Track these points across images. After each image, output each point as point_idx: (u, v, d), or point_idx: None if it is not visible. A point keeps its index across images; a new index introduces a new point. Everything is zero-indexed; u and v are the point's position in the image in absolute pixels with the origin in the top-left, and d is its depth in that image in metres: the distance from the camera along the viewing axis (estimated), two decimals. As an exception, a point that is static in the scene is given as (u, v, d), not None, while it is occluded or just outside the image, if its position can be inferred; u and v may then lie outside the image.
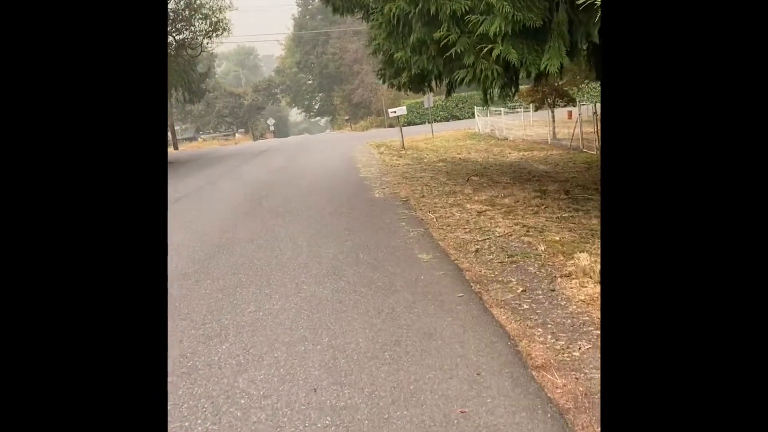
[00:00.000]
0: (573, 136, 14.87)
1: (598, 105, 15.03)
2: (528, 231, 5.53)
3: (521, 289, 4.02)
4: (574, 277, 4.11)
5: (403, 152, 16.38)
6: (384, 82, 10.15)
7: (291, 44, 63.74)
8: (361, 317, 3.71)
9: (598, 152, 12.98)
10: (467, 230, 5.85)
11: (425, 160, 13.80)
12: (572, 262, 4.45)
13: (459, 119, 36.47)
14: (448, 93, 9.76)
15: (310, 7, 59.95)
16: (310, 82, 62.81)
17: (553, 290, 3.94)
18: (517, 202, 7.21)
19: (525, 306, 3.72)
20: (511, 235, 5.48)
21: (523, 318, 3.52)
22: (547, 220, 6.07)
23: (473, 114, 36.92)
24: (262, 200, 9.22)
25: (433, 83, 9.10)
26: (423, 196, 8.20)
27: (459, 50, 5.87)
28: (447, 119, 37.15)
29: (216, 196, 10.45)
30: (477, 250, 5.06)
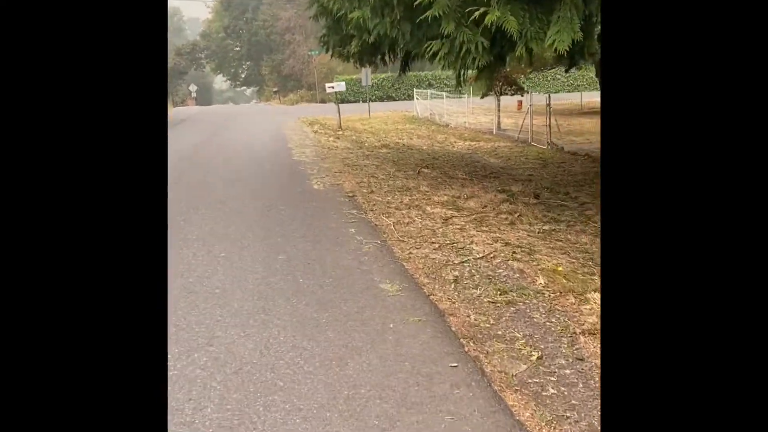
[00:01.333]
0: (521, 127, 14.00)
1: (553, 96, 14.26)
2: (514, 252, 4.35)
3: (535, 354, 2.82)
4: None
5: (340, 133, 14.91)
6: (327, 51, 8.67)
7: (219, 7, 59.68)
8: (304, 416, 2.36)
9: (548, 147, 12.19)
10: (436, 245, 4.60)
11: (366, 144, 12.44)
12: (589, 308, 3.31)
13: (395, 100, 35.22)
14: (404, 69, 8.43)
15: (241, -32, 56.22)
16: (238, 48, 59.21)
17: (580, 359, 2.77)
18: (485, 207, 6.05)
19: (551, 390, 2.51)
20: (493, 256, 4.28)
21: (557, 418, 2.31)
22: (528, 235, 4.93)
23: (410, 96, 35.84)
24: (170, 187, 7.56)
25: (388, 55, 7.75)
26: (371, 192, 6.86)
27: (437, 14, 4.54)
28: (382, 99, 35.77)
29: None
30: (456, 279, 3.81)
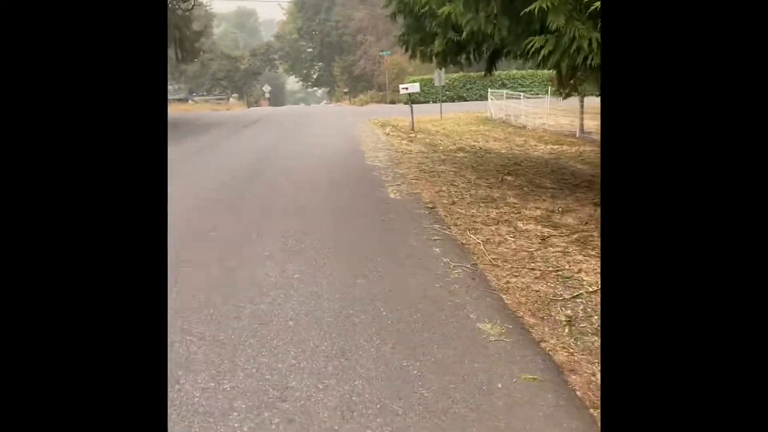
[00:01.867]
0: (610, 130, 12.93)
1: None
2: (635, 286, 3.67)
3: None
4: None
5: (413, 135, 14.39)
6: (407, 50, 8.17)
7: (293, 9, 60.76)
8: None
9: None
10: (537, 273, 3.97)
11: (440, 148, 11.84)
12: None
13: (465, 100, 34.35)
14: (490, 69, 7.80)
15: (315, -30, 56.90)
16: (311, 50, 60.07)
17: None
18: (586, 224, 5.33)
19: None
20: (609, 290, 3.62)
21: None
22: (645, 262, 4.21)
23: (482, 96, 34.85)
24: (242, 192, 7.29)
25: (473, 54, 7.14)
26: (453, 202, 6.28)
27: (545, 5, 3.91)
28: (453, 100, 34.93)
29: (183, 184, 8.50)
30: (570, 321, 3.18)
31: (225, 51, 61.61)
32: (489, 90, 24.09)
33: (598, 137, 14.06)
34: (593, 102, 17.99)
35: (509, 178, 8.09)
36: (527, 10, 4.04)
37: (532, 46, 4.35)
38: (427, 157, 10.14)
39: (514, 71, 35.50)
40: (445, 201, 6.38)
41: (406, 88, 14.82)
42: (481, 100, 34.51)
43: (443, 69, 21.85)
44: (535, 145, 12.98)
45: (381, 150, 11.32)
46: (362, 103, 40.19)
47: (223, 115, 27.73)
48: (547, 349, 2.87)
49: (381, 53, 41.04)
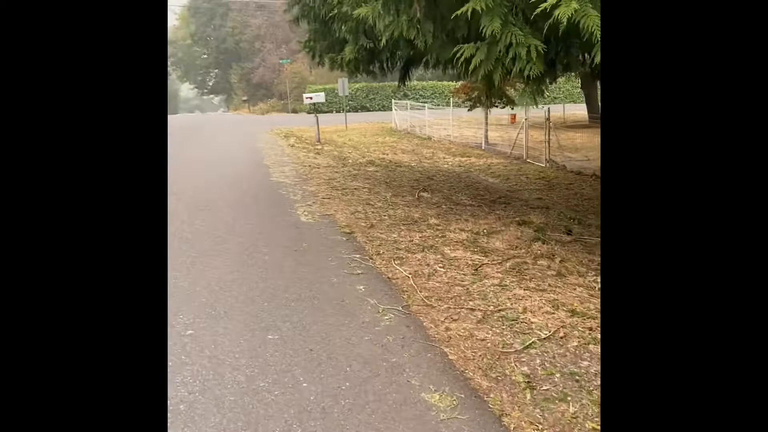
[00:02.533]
0: (515, 142, 13.03)
1: (551, 108, 13.31)
2: (589, 327, 3.23)
3: None
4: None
5: (320, 147, 13.69)
6: (313, 58, 7.51)
7: (185, 14, 57.85)
8: None
9: (548, 164, 11.24)
10: (478, 314, 3.45)
11: (350, 161, 11.26)
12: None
13: (369, 110, 34.16)
14: (404, 78, 7.32)
15: (209, -26, 54.59)
16: (205, 56, 57.46)
17: None
18: (516, 248, 4.94)
19: None
20: (564, 335, 3.15)
21: None
22: (589, 294, 3.83)
23: (384, 106, 34.81)
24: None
25: (387, 63, 6.62)
26: (371, 225, 5.69)
27: (479, 7, 3.42)
28: (356, 110, 34.59)
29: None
30: (529, 383, 2.66)
31: (110, 55, 57.42)
32: (393, 101, 23.93)
33: (503, 149, 14.16)
34: (497, 113, 18.20)
35: (426, 194, 7.65)
36: (458, 13, 3.53)
37: (462, 54, 3.86)
38: (337, 172, 9.49)
39: (415, 82, 35.86)
40: (362, 224, 5.76)
41: (311, 98, 14.12)
42: (384, 110, 34.47)
43: (347, 78, 21.41)
44: (444, 158, 12.77)
45: (287, 164, 10.52)
46: (263, 112, 38.81)
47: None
48: (512, 426, 2.32)
49: (281, 61, 39.91)
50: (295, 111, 36.94)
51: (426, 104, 21.35)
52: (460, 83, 16.52)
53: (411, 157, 12.73)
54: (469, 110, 15.49)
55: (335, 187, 7.93)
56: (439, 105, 23.68)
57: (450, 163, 11.85)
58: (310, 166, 10.26)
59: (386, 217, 6.08)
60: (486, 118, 15.38)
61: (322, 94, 14.38)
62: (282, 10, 43.07)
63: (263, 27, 43.57)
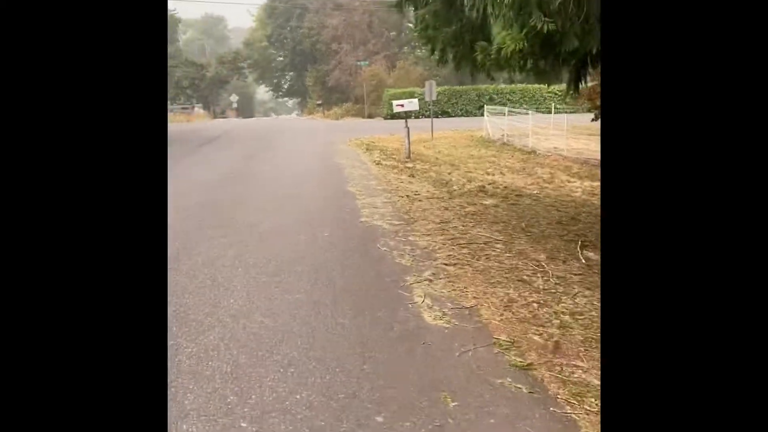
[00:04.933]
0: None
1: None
2: None
3: None
4: None
5: (411, 165, 11.35)
6: (434, 53, 5.15)
7: (262, 15, 57.49)
8: None
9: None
10: None
11: (455, 187, 8.83)
12: None
13: (450, 116, 31.58)
14: (577, 81, 4.82)
15: (287, -25, 53.85)
16: (281, 58, 56.81)
17: None
18: None
19: None
20: None
21: None
22: None
23: (467, 111, 32.12)
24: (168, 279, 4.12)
25: (560, 58, 4.16)
26: (556, 346, 3.23)
27: None
28: (437, 115, 32.12)
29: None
30: None
31: (190, 58, 58.03)
32: (486, 106, 21.31)
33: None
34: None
35: (592, 255, 5.11)
36: None
37: None
38: (446, 207, 7.08)
39: (503, 85, 32.96)
40: (536, 337, 3.31)
41: (402, 105, 11.80)
42: (468, 116, 31.77)
43: (434, 82, 19.00)
44: (569, 181, 10.10)
45: (378, 192, 8.22)
46: (337, 116, 37.10)
47: (180, 129, 24.23)
48: None
49: (358, 63, 38.04)
50: (371, 116, 34.96)
51: (529, 110, 18.54)
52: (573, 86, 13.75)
53: (526, 180, 10.15)
54: (594, 120, 12.67)
55: (455, 238, 5.52)
56: (528, 111, 20.87)
57: (582, 190, 9.18)
58: (407, 196, 7.90)
59: (569, 318, 3.60)
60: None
61: (416, 100, 12.04)
62: (360, 11, 41.44)
63: (340, 27, 41.90)
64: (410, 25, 49.07)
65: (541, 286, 4.18)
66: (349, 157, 12.67)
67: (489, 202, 7.68)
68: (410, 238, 5.56)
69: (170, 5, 67.21)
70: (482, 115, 30.26)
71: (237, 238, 5.61)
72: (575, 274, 4.49)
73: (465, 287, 4.12)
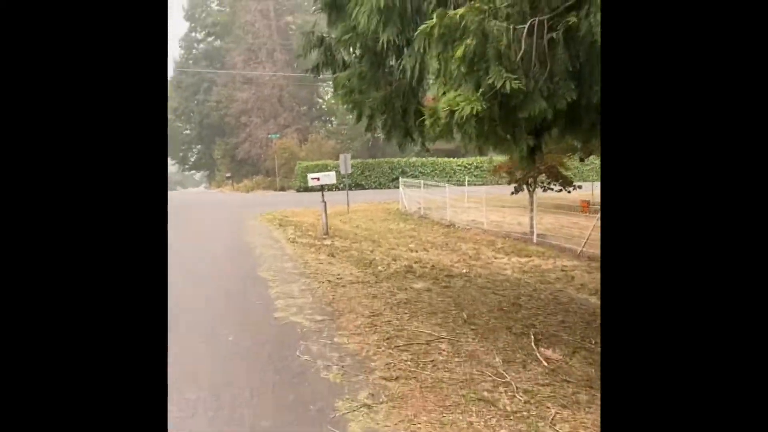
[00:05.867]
0: (589, 236, 9.92)
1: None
2: None
3: None
4: None
5: (329, 242, 10.41)
6: (360, 119, 4.41)
7: (169, 89, 56.02)
8: None
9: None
10: None
11: (380, 268, 7.97)
12: None
13: (364, 188, 31.32)
14: (533, 157, 4.20)
15: (194, 51, 53.26)
16: (188, 131, 55.11)
17: None
18: None
19: None
20: None
21: None
22: None
23: (380, 183, 32.03)
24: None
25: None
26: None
27: None
28: (350, 188, 31.74)
29: None
30: None
31: (87, 130, 55.00)
32: (401, 179, 21.05)
33: (561, 242, 11.09)
34: (516, 195, 15.08)
35: (550, 352, 4.35)
36: None
37: None
38: (375, 295, 6.15)
39: (414, 158, 33.39)
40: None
41: (318, 178, 10.98)
42: (381, 188, 31.67)
43: (348, 154, 18.53)
44: (495, 257, 9.57)
45: (294, 277, 7.15)
46: (248, 189, 35.77)
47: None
48: None
49: (269, 136, 37.37)
50: (283, 189, 34.00)
51: (440, 182, 18.40)
52: (498, 159, 13.69)
53: (451, 257, 9.51)
54: (514, 193, 12.48)
55: (391, 338, 4.57)
56: (438, 183, 20.96)
57: (511, 268, 8.63)
58: (329, 281, 6.91)
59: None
60: (532, 202, 12.35)
61: (332, 173, 11.25)
62: (270, 85, 41.21)
63: (250, 101, 41.35)
64: (320, 99, 49.64)
65: (508, 407, 3.30)
66: (260, 234, 11.55)
67: (420, 285, 6.86)
68: (337, 339, 4.54)
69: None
70: (395, 187, 30.35)
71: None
72: (542, 385, 3.66)
73: (415, 415, 3.15)
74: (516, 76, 2.80)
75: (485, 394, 3.47)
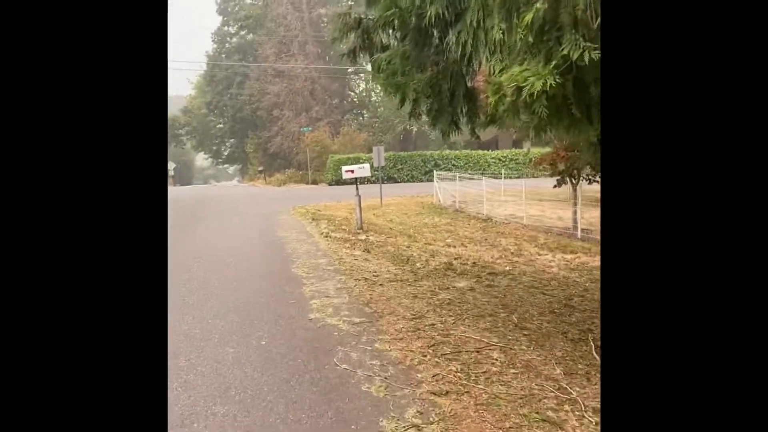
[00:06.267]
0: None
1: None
2: None
3: None
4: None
5: (364, 238, 10.06)
6: (412, 115, 4.02)
7: (202, 83, 56.58)
8: None
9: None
10: None
11: (417, 265, 7.57)
12: None
13: (396, 182, 30.90)
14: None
15: (227, 45, 53.57)
16: (221, 125, 55.58)
17: None
18: None
19: None
20: None
21: None
22: None
23: (413, 176, 31.55)
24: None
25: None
26: None
27: None
28: (383, 181, 31.35)
29: None
30: None
31: (124, 125, 55.97)
32: (435, 171, 20.57)
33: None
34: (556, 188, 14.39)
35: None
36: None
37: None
38: (416, 295, 5.75)
39: (447, 151, 32.80)
40: None
41: (352, 171, 10.62)
42: (414, 181, 31.20)
43: (382, 146, 18.13)
44: (539, 254, 9.06)
45: (329, 274, 6.81)
46: (280, 183, 35.75)
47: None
48: None
49: (302, 129, 37.25)
50: (315, 182, 33.86)
51: (474, 175, 17.88)
52: (536, 151, 13.11)
53: (492, 253, 9.04)
54: (556, 186, 11.90)
55: (437, 344, 4.17)
56: (472, 177, 20.40)
57: (557, 265, 8.13)
58: (365, 278, 6.55)
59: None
60: (576, 196, 11.74)
61: (367, 166, 10.86)
62: (302, 78, 41.03)
63: (282, 94, 41.29)
64: (352, 92, 49.23)
65: (578, 430, 2.86)
66: (293, 228, 11.26)
67: (462, 284, 6.43)
68: (377, 345, 4.16)
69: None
70: (428, 180, 29.88)
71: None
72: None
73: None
74: (596, 46, 2.35)
75: (550, 413, 3.04)
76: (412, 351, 4.01)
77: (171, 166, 51.63)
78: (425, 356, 3.92)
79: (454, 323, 4.74)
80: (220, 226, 12.42)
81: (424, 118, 4.35)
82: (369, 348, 4.10)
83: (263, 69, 43.34)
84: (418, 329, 4.54)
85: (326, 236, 9.99)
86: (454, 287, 6.22)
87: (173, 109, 71.45)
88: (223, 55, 52.60)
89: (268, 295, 5.77)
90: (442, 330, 4.53)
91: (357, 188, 10.97)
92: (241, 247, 9.00)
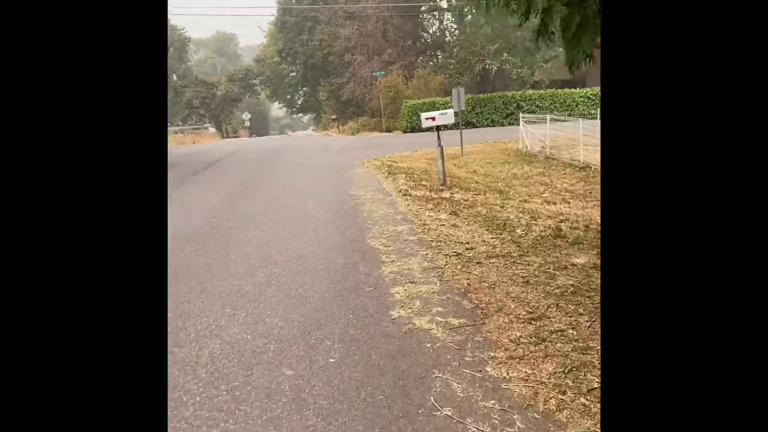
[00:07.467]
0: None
1: None
2: None
3: None
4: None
5: (447, 195, 8.75)
6: (544, 35, 2.58)
7: (273, 30, 55.63)
8: None
9: None
10: None
11: (519, 232, 6.22)
12: None
13: (475, 127, 28.93)
14: None
15: (297, -11, 51.95)
16: (294, 74, 54.73)
17: None
18: None
19: None
20: None
21: None
22: None
23: (493, 121, 29.41)
24: None
25: None
26: None
27: None
28: (462, 126, 29.39)
29: None
30: None
31: (200, 77, 56.43)
32: (521, 114, 18.61)
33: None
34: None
35: None
36: None
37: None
38: (526, 279, 4.45)
39: (531, 91, 30.23)
40: None
41: (433, 118, 9.20)
42: (494, 126, 29.10)
43: (462, 89, 16.42)
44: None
45: (413, 247, 5.60)
46: (353, 131, 34.68)
47: (177, 153, 21.95)
48: None
49: (374, 74, 35.63)
50: (389, 130, 32.49)
51: (560, 116, 15.85)
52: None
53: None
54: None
55: (575, 366, 2.91)
56: (566, 118, 18.26)
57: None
58: (457, 253, 5.28)
59: None
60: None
61: (450, 111, 9.39)
62: (374, 19, 39.08)
63: (353, 38, 39.55)
64: (425, 33, 46.61)
65: None
66: (368, 185, 10.11)
67: (582, 260, 5.04)
68: (490, 370, 2.95)
69: (180, 23, 65.90)
70: (510, 124, 27.68)
71: (189, 356, 3.08)
72: None
73: None
74: None
75: None
76: (543, 382, 2.77)
77: (246, 116, 51.81)
78: (563, 391, 2.67)
79: (589, 327, 3.43)
80: (289, 184, 11.49)
81: (557, 36, 2.94)
82: (478, 374, 2.89)
83: (334, 11, 41.63)
84: (543, 339, 3.27)
85: (405, 195, 8.76)
86: (573, 265, 4.86)
87: (248, 59, 71.41)
88: (293, 0, 51.16)
89: (340, 279, 4.66)
90: (578, 341, 3.24)
91: (438, 137, 9.59)
92: (310, 211, 7.97)
